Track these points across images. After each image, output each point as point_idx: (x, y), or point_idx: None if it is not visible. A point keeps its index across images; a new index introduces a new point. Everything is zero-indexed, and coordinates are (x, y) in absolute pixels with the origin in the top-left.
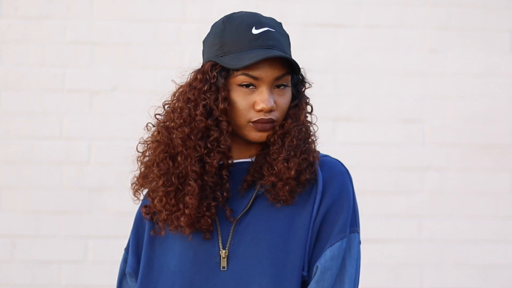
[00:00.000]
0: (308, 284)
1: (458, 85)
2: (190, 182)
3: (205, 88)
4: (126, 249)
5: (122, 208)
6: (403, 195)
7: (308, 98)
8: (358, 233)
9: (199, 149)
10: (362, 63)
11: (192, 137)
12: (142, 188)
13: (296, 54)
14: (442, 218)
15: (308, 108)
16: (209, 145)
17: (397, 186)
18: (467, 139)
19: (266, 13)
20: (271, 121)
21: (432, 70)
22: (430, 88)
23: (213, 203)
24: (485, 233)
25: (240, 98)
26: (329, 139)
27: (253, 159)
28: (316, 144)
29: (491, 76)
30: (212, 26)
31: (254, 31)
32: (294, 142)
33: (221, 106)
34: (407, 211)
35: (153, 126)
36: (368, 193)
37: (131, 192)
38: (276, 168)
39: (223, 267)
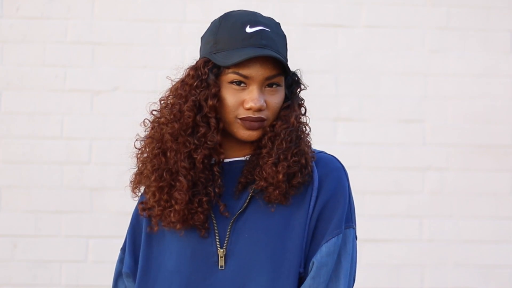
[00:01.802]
0: (304, 280)
1: (459, 85)
2: (180, 177)
3: (196, 84)
4: (122, 249)
5: (123, 208)
6: (404, 195)
7: (302, 99)
8: (354, 228)
9: (188, 144)
10: (362, 63)
11: (182, 132)
12: (140, 185)
13: (296, 54)
14: (443, 218)
15: (302, 110)
16: (196, 141)
17: (398, 186)
18: (468, 139)
19: (266, 13)
20: (260, 119)
21: (433, 70)
22: (431, 88)
23: (205, 199)
24: (485, 233)
25: (230, 96)
26: (329, 139)
27: (247, 158)
28: (310, 144)
29: (491, 76)
30: (211, 23)
31: (248, 29)
32: (284, 145)
33: (210, 102)
34: (407, 211)
35: (150, 122)
36: (369, 193)
37: (129, 189)
38: (265, 173)
39: (221, 266)
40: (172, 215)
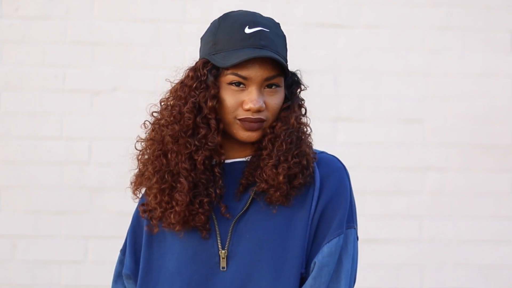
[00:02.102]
0: (306, 280)
1: (459, 85)
2: (181, 179)
3: (195, 85)
4: (122, 251)
5: (123, 208)
6: (404, 195)
7: (302, 100)
8: (355, 229)
9: (189, 146)
10: (362, 63)
11: (182, 134)
12: (141, 187)
13: (296, 54)
14: (443, 218)
15: (302, 110)
16: (197, 142)
17: (398, 186)
18: (468, 139)
19: (266, 13)
20: (260, 120)
21: (433, 70)
22: (431, 88)
23: (205, 200)
24: (485, 233)
25: (229, 97)
26: (329, 139)
27: (248, 159)
28: (311, 145)
29: (491, 76)
30: (210, 23)
31: (247, 30)
32: (284, 147)
33: (210, 103)
34: (407, 211)
35: (150, 124)
36: (369, 193)
37: (130, 191)
38: (265, 175)
39: (223, 267)
40: (172, 216)
